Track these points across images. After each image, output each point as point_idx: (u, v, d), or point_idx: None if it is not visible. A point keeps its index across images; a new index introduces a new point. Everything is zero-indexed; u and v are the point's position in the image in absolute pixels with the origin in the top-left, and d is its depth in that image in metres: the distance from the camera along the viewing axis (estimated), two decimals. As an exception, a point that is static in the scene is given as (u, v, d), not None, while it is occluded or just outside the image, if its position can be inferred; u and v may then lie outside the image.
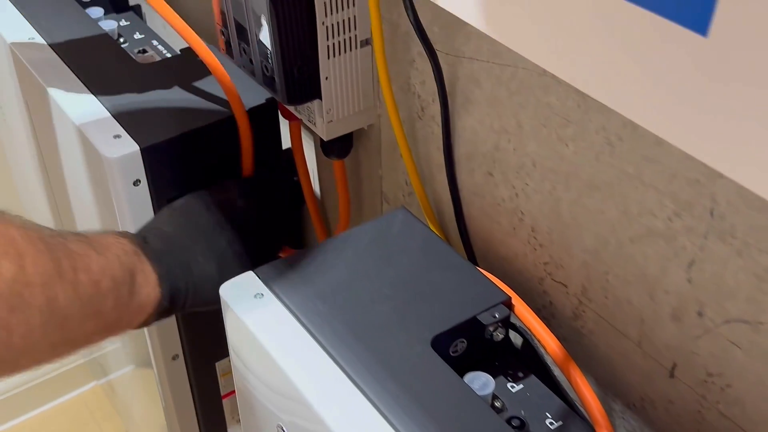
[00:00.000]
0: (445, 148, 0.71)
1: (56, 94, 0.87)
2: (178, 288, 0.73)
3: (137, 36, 1.07)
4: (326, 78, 0.75)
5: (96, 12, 1.07)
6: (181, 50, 0.96)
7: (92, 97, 0.87)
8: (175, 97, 0.87)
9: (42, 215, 1.20)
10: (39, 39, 0.95)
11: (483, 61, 0.63)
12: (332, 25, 0.72)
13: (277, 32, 0.70)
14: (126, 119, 0.84)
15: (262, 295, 0.66)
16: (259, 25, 0.71)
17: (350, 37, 0.74)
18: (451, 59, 0.66)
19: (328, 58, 0.74)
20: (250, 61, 0.76)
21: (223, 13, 0.77)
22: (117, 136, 0.82)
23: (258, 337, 0.63)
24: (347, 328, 0.63)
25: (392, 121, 0.73)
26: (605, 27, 0.37)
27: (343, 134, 0.80)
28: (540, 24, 0.41)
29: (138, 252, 0.71)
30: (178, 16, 0.80)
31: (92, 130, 0.83)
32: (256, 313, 0.65)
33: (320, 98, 0.76)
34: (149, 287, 0.70)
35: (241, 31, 0.75)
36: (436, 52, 0.65)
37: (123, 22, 1.09)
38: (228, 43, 0.79)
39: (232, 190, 0.81)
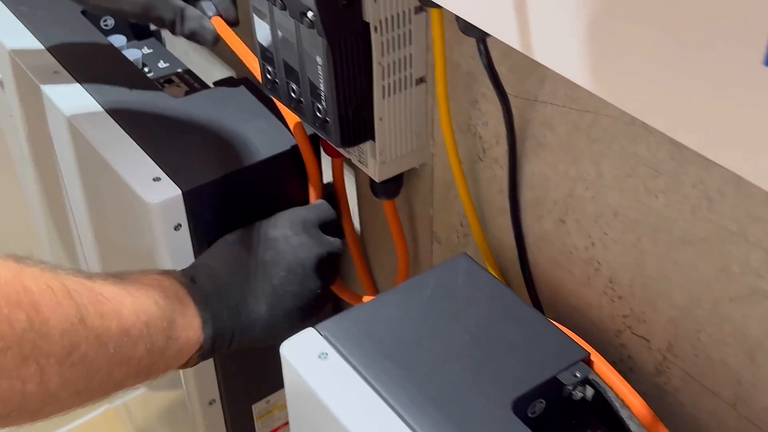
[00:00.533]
0: (511, 192, 0.67)
1: (88, 133, 0.83)
2: (224, 331, 0.70)
3: (161, 64, 1.03)
4: (380, 119, 0.71)
5: (118, 40, 1.04)
6: (215, 83, 0.92)
7: (125, 134, 0.83)
8: (213, 133, 0.84)
9: (56, 255, 1.17)
10: (64, 72, 0.91)
11: (559, 105, 0.60)
12: (388, 64, 0.69)
13: (333, 74, 0.67)
14: (164, 159, 0.80)
15: (326, 354, 0.62)
16: (313, 66, 0.68)
17: (405, 76, 0.71)
18: (521, 102, 0.63)
19: (383, 98, 0.70)
20: (299, 101, 0.72)
21: (266, 50, 0.74)
22: (156, 179, 0.78)
23: (325, 402, 0.59)
24: (421, 390, 0.59)
25: (451, 161, 0.69)
26: (744, 94, 0.34)
27: (395, 175, 0.76)
28: (667, 88, 0.38)
29: (182, 294, 0.68)
30: (249, 50, 0.77)
31: (129, 171, 0.79)
32: (321, 375, 0.61)
33: (373, 139, 0.72)
34: (190, 331, 0.67)
35: (290, 71, 0.71)
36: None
37: (146, 50, 1.06)
38: (272, 81, 0.75)
39: (286, 224, 0.78)
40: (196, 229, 0.80)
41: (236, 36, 0.80)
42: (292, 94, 0.73)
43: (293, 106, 0.74)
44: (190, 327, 0.67)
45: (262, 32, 0.72)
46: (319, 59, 0.67)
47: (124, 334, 0.60)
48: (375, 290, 0.94)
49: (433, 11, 0.61)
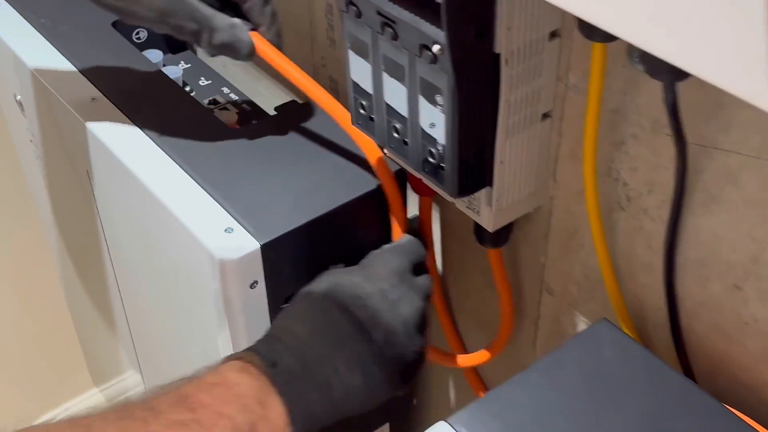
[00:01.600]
0: (668, 250, 0.57)
1: (142, 174, 0.72)
2: (314, 416, 0.60)
3: (203, 82, 0.92)
4: (501, 162, 0.61)
5: (154, 55, 0.92)
6: (277, 109, 0.81)
7: (186, 176, 0.72)
8: (286, 171, 0.73)
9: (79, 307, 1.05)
10: (103, 100, 0.80)
11: (748, 156, 0.50)
12: (516, 100, 0.59)
13: (458, 115, 0.56)
14: (235, 205, 0.69)
15: (470, 457, 0.52)
16: (429, 106, 0.57)
17: (532, 112, 0.60)
18: (695, 149, 0.52)
19: (507, 138, 0.60)
20: (404, 142, 0.62)
21: (359, 86, 0.63)
22: (228, 230, 0.67)
23: None
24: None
25: (589, 208, 0.59)
26: None
27: (509, 222, 0.66)
28: None
29: (264, 393, 0.58)
30: (306, 75, 0.66)
31: (195, 220, 0.68)
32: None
33: (491, 185, 0.62)
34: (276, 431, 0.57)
35: (394, 109, 0.61)
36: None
37: (183, 65, 0.94)
38: (367, 118, 0.64)
39: (381, 275, 0.67)
40: (273, 284, 0.69)
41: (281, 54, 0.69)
42: (395, 134, 0.62)
43: (393, 147, 0.63)
44: (276, 427, 0.57)
45: (359, 64, 0.62)
46: (439, 98, 0.56)
47: None
48: (461, 344, 0.84)
49: (596, 45, 0.51)
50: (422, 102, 0.58)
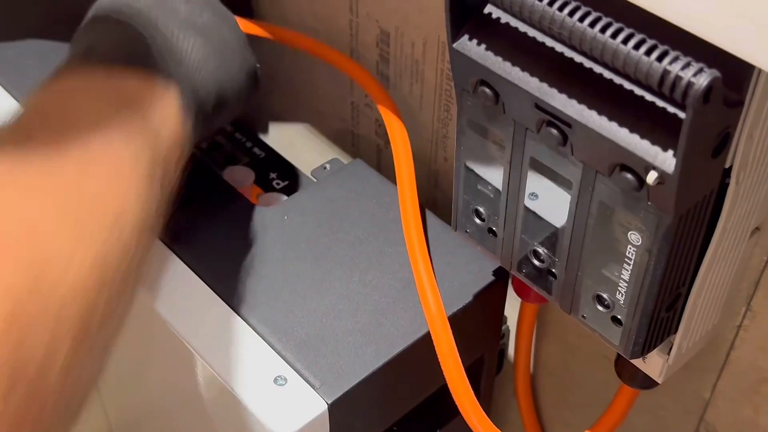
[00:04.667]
0: None
1: (165, 311, 0.52)
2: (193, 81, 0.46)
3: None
4: (695, 303, 0.41)
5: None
6: (314, 173, 0.60)
7: (207, 289, 0.52)
8: (346, 277, 0.53)
9: None
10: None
11: None
12: (734, 223, 0.39)
13: (665, 262, 0.36)
14: (282, 340, 0.49)
15: None
16: (608, 243, 0.38)
17: (743, 231, 0.41)
18: None
19: (708, 272, 0.40)
20: (549, 273, 0.42)
21: (478, 184, 0.43)
22: (280, 380, 0.48)
23: None
24: None
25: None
26: None
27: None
28: None
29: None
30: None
31: (232, 369, 0.48)
32: None
33: (675, 332, 0.43)
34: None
35: (539, 231, 0.41)
36: None
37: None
38: (485, 230, 0.44)
39: None
40: (339, 446, 0.50)
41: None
42: (536, 262, 0.42)
43: (526, 274, 0.44)
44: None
45: (481, 161, 0.42)
46: (636, 238, 0.36)
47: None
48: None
49: None
50: (597, 234, 0.38)
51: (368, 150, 0.65)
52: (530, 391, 0.63)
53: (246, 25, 0.58)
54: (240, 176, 0.63)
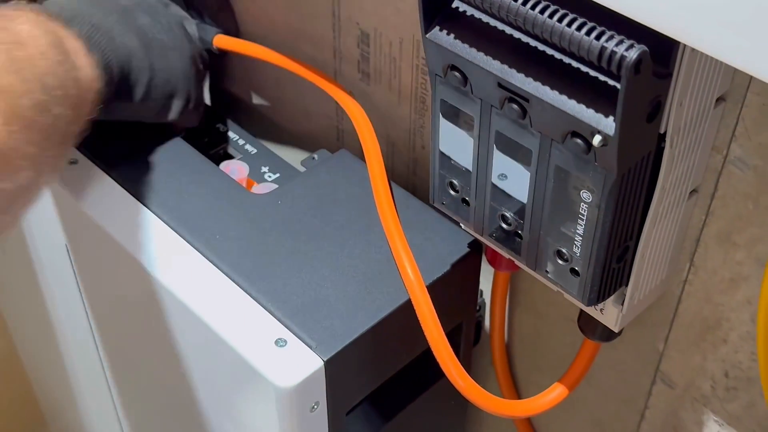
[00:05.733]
0: None
1: (158, 271, 0.57)
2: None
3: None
4: (642, 256, 0.48)
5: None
6: (304, 163, 0.66)
7: (212, 267, 0.58)
8: (337, 251, 0.59)
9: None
10: (84, 161, 0.64)
11: None
12: (671, 182, 0.45)
13: (612, 215, 0.43)
14: (281, 306, 0.55)
15: None
16: (565, 203, 0.44)
17: (681, 191, 0.47)
18: None
19: (653, 228, 0.47)
20: (515, 234, 0.48)
21: (451, 159, 0.49)
22: (280, 342, 0.53)
23: None
24: None
25: (762, 304, 0.46)
26: None
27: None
28: None
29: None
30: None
31: (236, 330, 0.54)
32: None
33: (626, 284, 0.49)
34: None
35: (507, 198, 0.47)
36: None
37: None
38: (458, 200, 0.51)
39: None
40: (335, 402, 0.55)
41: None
42: (504, 225, 0.49)
43: (496, 237, 0.50)
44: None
45: (454, 137, 0.48)
46: (586, 195, 0.43)
47: None
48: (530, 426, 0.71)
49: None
50: (555, 196, 0.44)
51: (353, 142, 0.71)
52: (506, 358, 0.69)
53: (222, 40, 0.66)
54: (235, 170, 0.69)
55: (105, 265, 0.63)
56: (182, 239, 0.59)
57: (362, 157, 0.61)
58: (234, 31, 0.73)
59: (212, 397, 0.60)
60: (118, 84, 0.58)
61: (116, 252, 0.60)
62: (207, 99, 0.80)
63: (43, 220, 0.67)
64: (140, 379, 0.70)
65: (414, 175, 0.68)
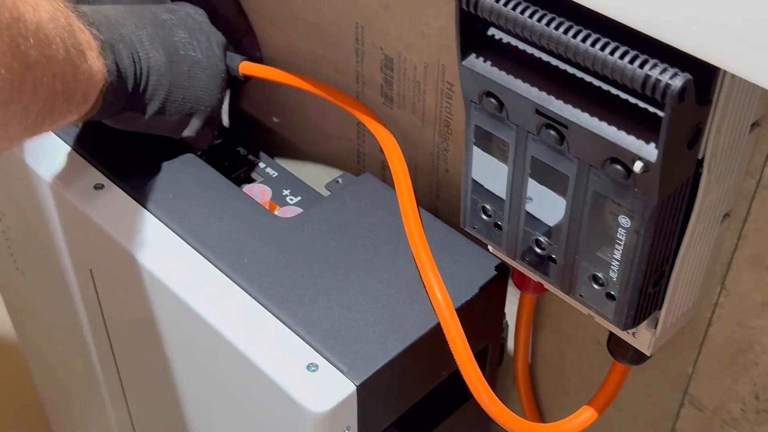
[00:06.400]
0: None
1: (186, 294, 0.57)
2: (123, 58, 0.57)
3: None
4: (677, 280, 0.48)
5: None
6: (329, 186, 0.66)
7: (241, 292, 0.58)
8: (364, 275, 0.59)
9: None
10: (110, 185, 0.64)
11: None
12: (707, 207, 0.46)
13: (650, 241, 0.43)
14: (311, 331, 0.55)
15: None
16: (601, 228, 0.44)
17: (715, 216, 0.48)
18: None
19: (687, 253, 0.47)
20: (550, 259, 0.48)
21: (483, 187, 0.49)
22: (312, 367, 0.53)
23: None
24: None
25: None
26: None
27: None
28: None
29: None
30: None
31: (268, 356, 0.54)
32: None
33: (660, 308, 0.49)
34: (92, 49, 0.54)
35: (538, 223, 0.47)
36: None
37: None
38: (491, 225, 0.51)
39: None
40: (367, 425, 0.55)
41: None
42: (537, 249, 0.49)
43: (529, 261, 0.50)
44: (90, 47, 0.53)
45: (487, 164, 0.48)
46: (625, 221, 0.43)
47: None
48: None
49: None
50: (592, 221, 0.44)
51: (374, 165, 0.71)
52: (529, 380, 0.69)
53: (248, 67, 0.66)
54: (258, 193, 0.69)
55: (131, 290, 0.63)
56: (210, 263, 0.59)
57: (385, 180, 0.61)
58: (258, 58, 0.73)
59: (241, 422, 0.60)
60: (132, 94, 0.58)
61: (143, 277, 0.60)
62: (225, 121, 0.80)
63: (68, 243, 0.67)
64: (164, 405, 0.70)
65: (437, 198, 0.69)
